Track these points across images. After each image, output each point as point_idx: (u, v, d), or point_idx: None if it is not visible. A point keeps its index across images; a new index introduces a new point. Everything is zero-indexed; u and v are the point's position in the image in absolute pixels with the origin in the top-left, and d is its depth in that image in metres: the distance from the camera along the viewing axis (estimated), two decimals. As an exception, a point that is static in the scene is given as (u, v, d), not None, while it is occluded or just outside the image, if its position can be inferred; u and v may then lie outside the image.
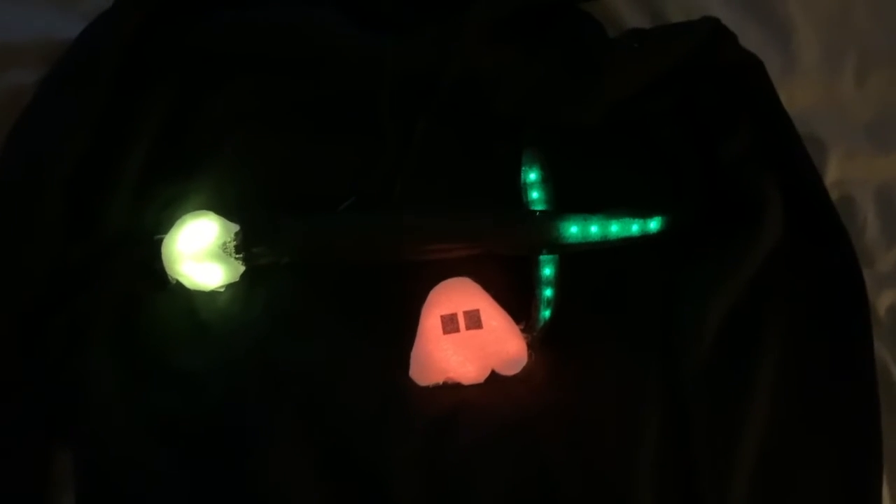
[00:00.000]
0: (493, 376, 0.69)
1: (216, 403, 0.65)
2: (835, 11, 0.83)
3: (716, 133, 0.74)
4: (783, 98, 0.77)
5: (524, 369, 0.69)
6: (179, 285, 0.67)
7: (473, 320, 0.69)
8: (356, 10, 0.70)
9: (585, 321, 0.71)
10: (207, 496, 0.63)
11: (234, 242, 0.67)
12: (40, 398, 0.64)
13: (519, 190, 0.73)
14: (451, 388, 0.68)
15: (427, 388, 0.68)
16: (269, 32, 0.68)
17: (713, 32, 0.73)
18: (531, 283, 0.72)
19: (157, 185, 0.68)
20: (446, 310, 0.69)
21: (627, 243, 0.72)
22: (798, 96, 0.79)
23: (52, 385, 0.64)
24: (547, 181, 0.73)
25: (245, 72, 0.69)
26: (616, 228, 0.72)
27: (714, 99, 0.74)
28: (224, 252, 0.67)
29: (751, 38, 0.79)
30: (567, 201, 0.73)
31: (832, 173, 0.78)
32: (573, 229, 0.71)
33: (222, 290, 0.68)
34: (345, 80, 0.70)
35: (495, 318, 0.69)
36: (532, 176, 0.74)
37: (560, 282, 0.71)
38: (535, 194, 0.74)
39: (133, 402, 0.65)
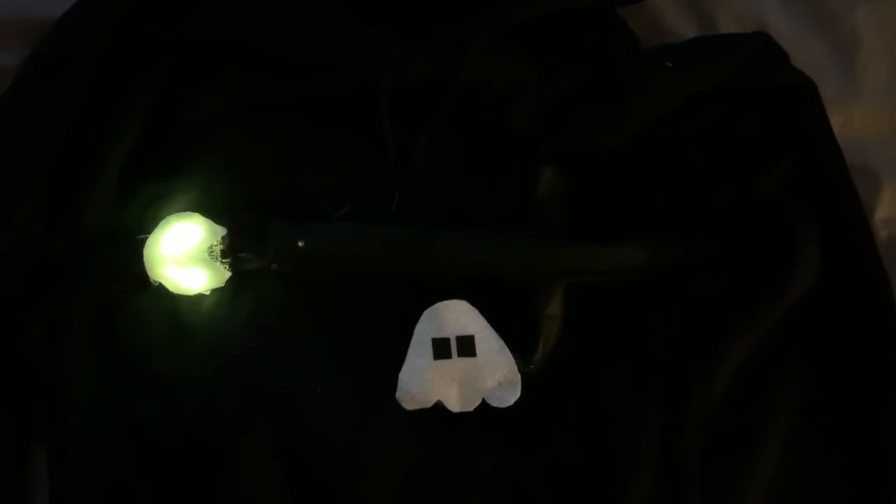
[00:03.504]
0: (484, 405, 0.65)
1: (190, 413, 0.64)
2: (911, 25, 0.73)
3: (754, 162, 0.67)
4: (839, 122, 0.70)
5: (516, 402, 0.65)
6: (162, 287, 0.65)
7: (467, 347, 0.66)
8: (359, 4, 0.64)
9: (587, 358, 0.67)
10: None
11: (221, 246, 0.64)
12: (17, 396, 0.63)
13: (528, 210, 0.68)
14: (437, 415, 0.65)
15: (412, 412, 0.65)
16: (266, 24, 0.63)
17: (762, 50, 0.65)
18: (534, 310, 0.67)
19: (141, 182, 0.65)
20: (439, 333, 0.66)
21: (643, 276, 0.67)
22: (856, 121, 0.72)
23: (28, 383, 0.63)
24: (560, 203, 0.68)
25: (239, 65, 0.65)
26: (632, 259, 0.67)
27: (756, 124, 0.67)
28: (210, 256, 0.64)
29: (809, 51, 0.71)
30: (580, 226, 0.68)
31: (883, 210, 0.71)
32: (584, 257, 0.66)
33: (207, 293, 0.66)
34: (345, 80, 0.65)
35: (490, 347, 0.66)
36: (544, 196, 0.67)
37: (565, 313, 0.67)
38: (545, 216, 0.68)
39: (108, 403, 0.64)
